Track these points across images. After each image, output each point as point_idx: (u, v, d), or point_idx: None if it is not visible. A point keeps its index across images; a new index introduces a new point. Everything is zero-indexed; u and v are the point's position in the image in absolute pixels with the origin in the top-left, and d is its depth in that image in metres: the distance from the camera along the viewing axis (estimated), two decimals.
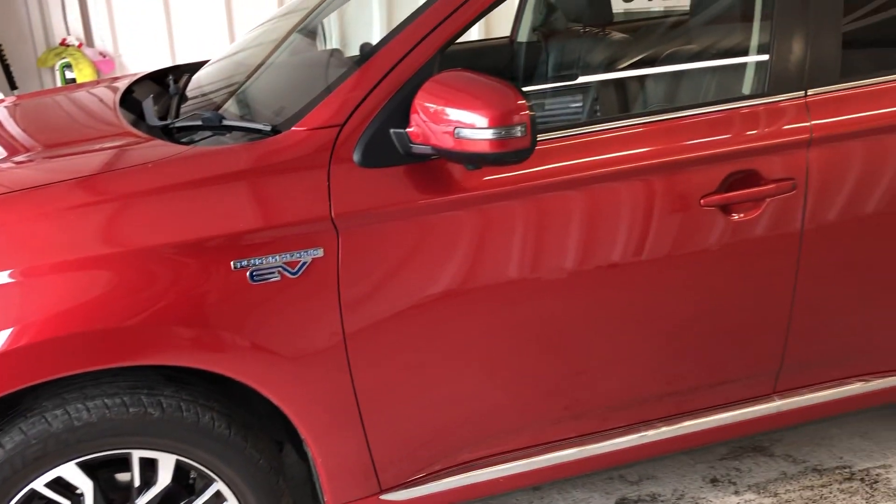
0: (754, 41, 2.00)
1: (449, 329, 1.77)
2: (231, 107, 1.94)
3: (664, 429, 2.07)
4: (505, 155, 1.53)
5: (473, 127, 1.51)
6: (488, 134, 1.51)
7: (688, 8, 2.46)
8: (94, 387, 1.58)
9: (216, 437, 1.65)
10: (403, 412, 1.81)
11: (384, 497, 1.85)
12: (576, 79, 2.77)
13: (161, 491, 1.67)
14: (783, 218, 1.91)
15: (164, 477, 1.66)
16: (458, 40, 1.73)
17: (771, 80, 1.91)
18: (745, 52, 2.04)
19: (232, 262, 1.55)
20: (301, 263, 1.60)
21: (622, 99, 2.52)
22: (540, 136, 1.73)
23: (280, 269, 1.58)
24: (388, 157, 1.64)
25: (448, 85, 1.57)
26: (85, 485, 1.61)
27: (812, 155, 1.91)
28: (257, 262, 1.56)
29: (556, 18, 3.10)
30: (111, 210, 1.54)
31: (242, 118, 1.84)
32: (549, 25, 3.12)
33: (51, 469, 1.57)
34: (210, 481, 1.70)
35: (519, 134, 1.52)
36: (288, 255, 1.58)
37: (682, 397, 2.08)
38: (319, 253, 1.61)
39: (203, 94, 2.13)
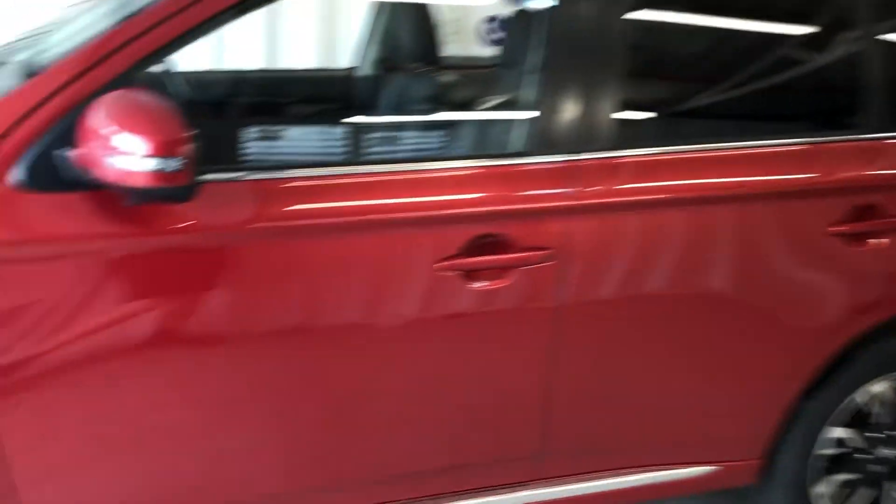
0: (524, 95, 1.84)
1: (135, 385, 1.54)
2: None
3: None
4: (163, 191, 1.33)
5: (132, 154, 1.31)
6: (148, 164, 1.30)
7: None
8: None
9: None
10: (75, 478, 1.57)
11: None
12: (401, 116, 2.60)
13: None
14: (536, 291, 1.73)
15: None
16: (297, 66, 1.52)
17: (537, 138, 1.75)
18: (513, 106, 1.88)
19: None
20: None
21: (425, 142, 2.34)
22: (298, 173, 1.58)
23: None
24: (52, 182, 1.41)
25: (113, 105, 1.35)
26: None
27: (576, 224, 1.74)
28: None
29: (395, 55, 2.95)
30: None
31: None
32: (390, 62, 2.96)
33: None
34: None
35: (177, 168, 1.31)
36: None
37: (435, 478, 1.88)
38: None
39: None
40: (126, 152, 1.30)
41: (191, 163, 1.33)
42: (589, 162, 1.75)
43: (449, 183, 1.69)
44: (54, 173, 1.40)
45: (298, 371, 1.65)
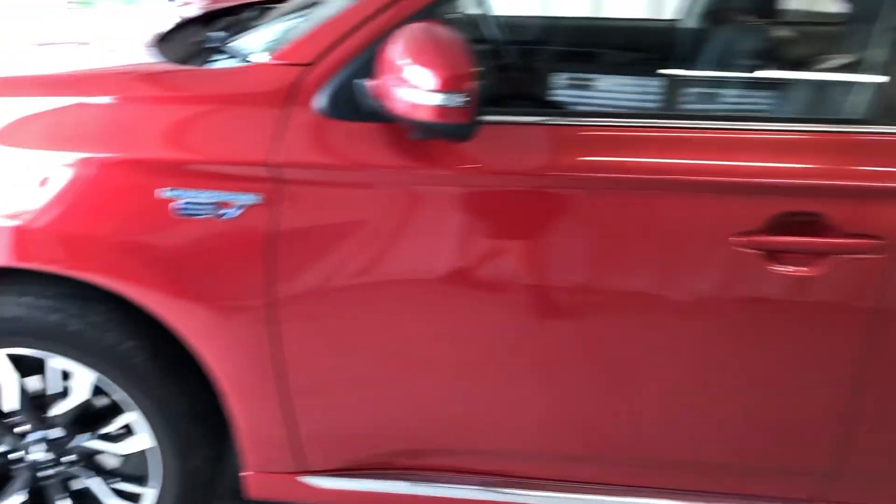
0: (872, 55, 1.52)
1: (413, 317, 1.55)
2: (261, 35, 1.83)
3: None
4: (445, 126, 1.29)
5: (419, 88, 1.28)
6: (432, 98, 1.27)
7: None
8: (24, 285, 1.58)
9: (134, 365, 1.59)
10: (342, 396, 1.64)
11: (303, 480, 1.70)
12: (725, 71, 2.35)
13: (76, 405, 1.65)
14: (856, 286, 1.45)
15: (80, 392, 1.64)
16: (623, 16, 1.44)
17: (885, 105, 1.44)
18: (856, 68, 1.57)
19: (157, 191, 1.45)
20: (235, 206, 1.46)
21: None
22: (599, 122, 1.49)
23: (210, 208, 1.46)
24: (351, 111, 1.45)
25: (409, 37, 1.32)
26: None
27: None
28: (186, 195, 1.46)
29: (728, 6, 2.66)
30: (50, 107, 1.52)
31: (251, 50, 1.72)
32: (718, 14, 2.69)
33: None
34: (127, 409, 1.65)
35: (459, 104, 1.26)
36: (221, 195, 1.46)
37: (704, 472, 1.70)
38: (257, 200, 1.46)
39: (260, 20, 2.04)
40: (414, 85, 1.28)
41: (473, 101, 1.27)
42: None
43: (767, 148, 1.46)
44: (353, 103, 1.44)
45: (574, 330, 1.55)
